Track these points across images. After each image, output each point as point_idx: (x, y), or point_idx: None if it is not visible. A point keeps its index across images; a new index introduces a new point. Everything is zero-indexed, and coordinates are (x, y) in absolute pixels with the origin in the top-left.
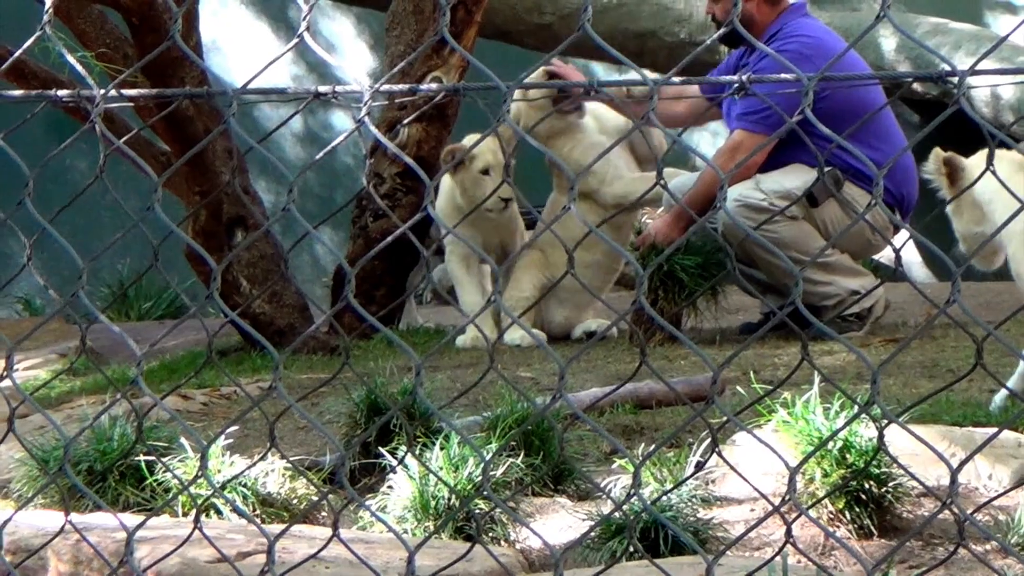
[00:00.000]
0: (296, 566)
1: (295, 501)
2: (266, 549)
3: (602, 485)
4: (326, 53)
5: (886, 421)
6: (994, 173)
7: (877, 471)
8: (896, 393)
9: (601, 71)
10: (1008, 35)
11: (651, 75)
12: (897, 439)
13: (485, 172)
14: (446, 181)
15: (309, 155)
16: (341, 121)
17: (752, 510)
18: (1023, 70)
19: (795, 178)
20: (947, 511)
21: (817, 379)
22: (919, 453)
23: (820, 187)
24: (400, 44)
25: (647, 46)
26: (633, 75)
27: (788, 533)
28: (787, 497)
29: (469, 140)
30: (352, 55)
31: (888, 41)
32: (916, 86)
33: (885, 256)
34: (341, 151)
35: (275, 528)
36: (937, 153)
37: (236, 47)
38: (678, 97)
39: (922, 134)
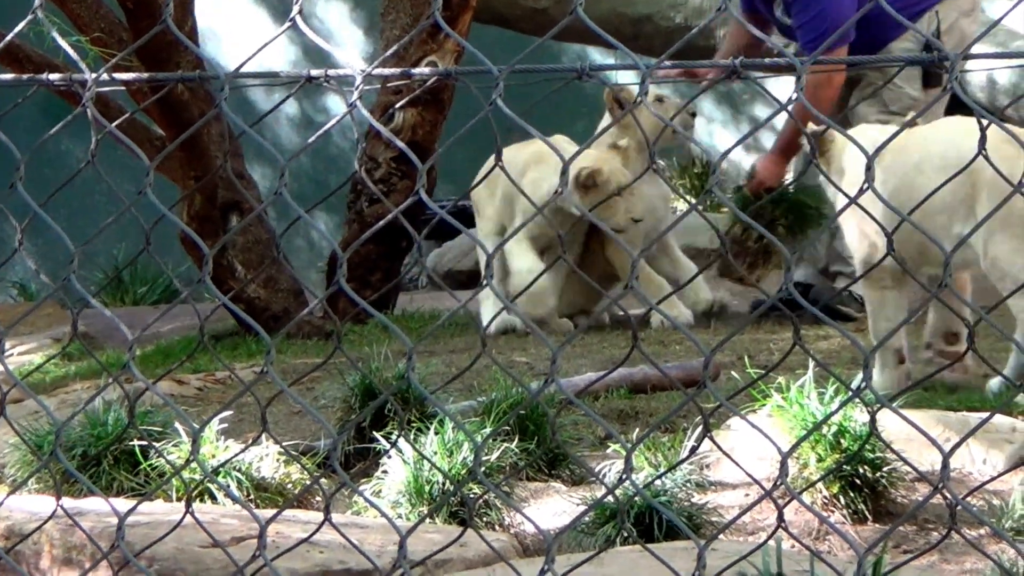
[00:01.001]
0: (288, 550)
1: (289, 486)
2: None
3: (596, 470)
4: (318, 37)
5: (879, 406)
6: (986, 158)
7: (871, 456)
8: (890, 377)
9: (597, 55)
10: (1000, 19)
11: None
12: (892, 424)
13: (617, 194)
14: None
15: (304, 139)
16: (337, 105)
17: (746, 495)
18: (1016, 54)
19: None
20: (940, 496)
21: (811, 364)
22: (914, 438)
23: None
24: (395, 28)
25: (643, 31)
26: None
27: (780, 518)
28: (779, 482)
29: (588, 155)
30: (347, 40)
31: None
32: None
33: None
34: (337, 135)
35: (268, 513)
36: (809, 127)
37: (233, 33)
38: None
39: (915, 116)
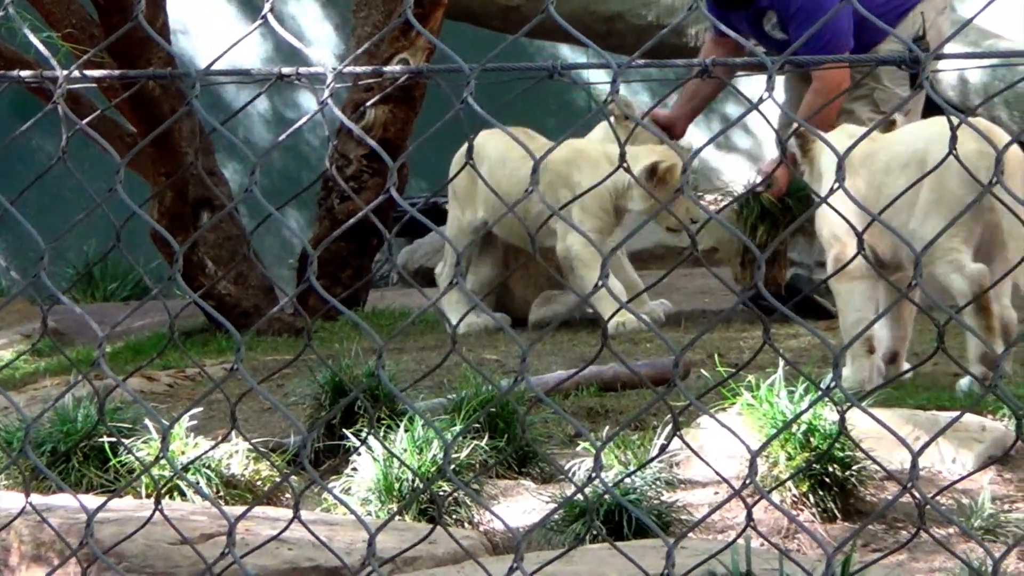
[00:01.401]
0: (257, 548)
1: (259, 483)
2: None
3: (566, 467)
4: (289, 34)
5: (848, 405)
6: (956, 157)
7: (841, 454)
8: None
9: (569, 53)
10: (972, 19)
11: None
12: (862, 422)
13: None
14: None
15: (276, 135)
16: (308, 101)
17: (716, 493)
18: (987, 54)
19: None
20: (910, 495)
21: (782, 362)
22: (884, 437)
23: None
24: (367, 26)
25: (614, 28)
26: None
27: (749, 517)
28: (748, 481)
29: (648, 150)
30: (319, 36)
31: None
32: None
33: None
34: (308, 132)
35: (238, 510)
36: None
37: (205, 29)
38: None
39: (886, 118)
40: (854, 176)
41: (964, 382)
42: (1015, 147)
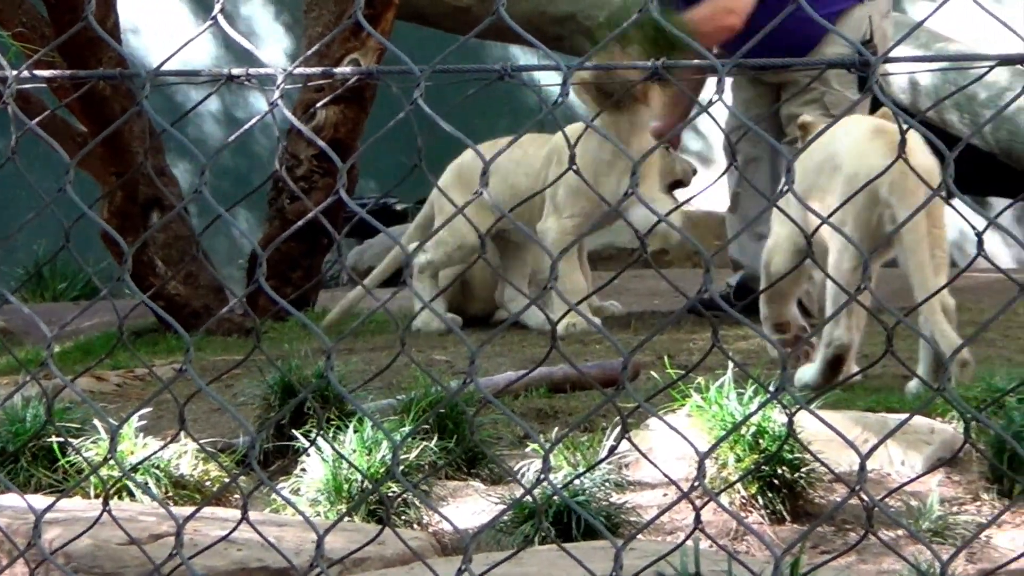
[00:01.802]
0: (205, 549)
1: (208, 483)
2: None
3: (515, 469)
4: (239, 35)
5: (797, 407)
6: (906, 161)
7: (790, 456)
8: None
9: (520, 54)
10: (922, 22)
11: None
12: (812, 424)
13: (679, 184)
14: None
15: (226, 135)
16: (259, 102)
17: (665, 495)
18: (937, 57)
19: None
20: (858, 498)
21: (731, 364)
22: (834, 438)
23: None
24: (318, 26)
25: (565, 30)
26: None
27: (697, 520)
28: (696, 484)
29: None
30: (270, 36)
31: None
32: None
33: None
34: (259, 132)
35: (186, 510)
36: (799, 120)
37: (156, 28)
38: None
39: (835, 120)
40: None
41: (913, 384)
42: (923, 156)
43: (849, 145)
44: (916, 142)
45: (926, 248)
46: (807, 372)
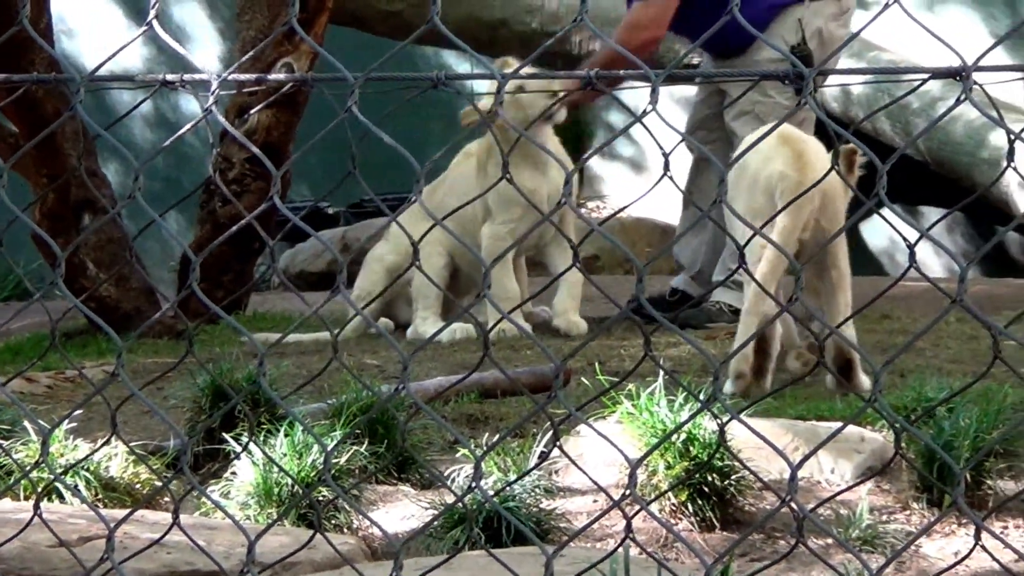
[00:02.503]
0: (136, 554)
1: (139, 486)
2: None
3: (446, 474)
4: (173, 40)
5: (727, 416)
6: (839, 172)
7: (720, 464)
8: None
9: (453, 59)
10: (857, 33)
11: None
12: (743, 432)
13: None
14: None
15: (160, 138)
16: (192, 104)
17: (595, 501)
18: (870, 69)
19: None
20: (788, 507)
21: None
22: (764, 446)
23: None
24: (251, 30)
25: (499, 35)
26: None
27: (628, 528)
28: (627, 491)
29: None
30: (204, 39)
31: None
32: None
33: None
34: (191, 134)
35: (117, 513)
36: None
37: (90, 31)
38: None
39: (770, 128)
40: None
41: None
42: (823, 166)
43: (758, 149)
44: (817, 153)
45: (780, 261)
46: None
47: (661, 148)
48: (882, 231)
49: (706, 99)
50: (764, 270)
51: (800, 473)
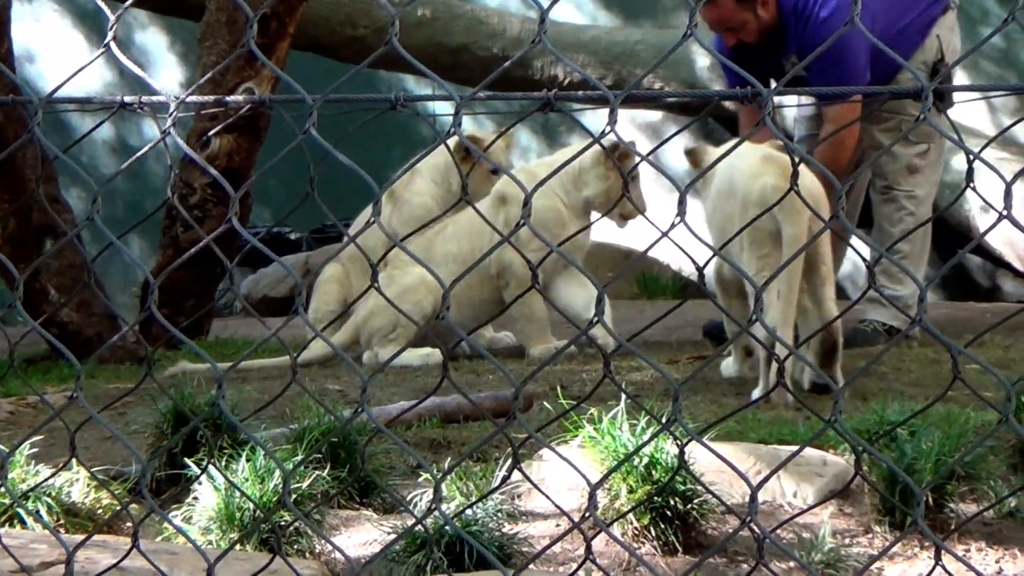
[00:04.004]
0: None
1: (100, 511)
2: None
3: (408, 498)
4: (131, 63)
5: (688, 439)
6: (798, 194)
7: (683, 487)
8: (704, 410)
9: (414, 84)
10: (818, 52)
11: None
12: (706, 455)
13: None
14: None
15: (119, 162)
16: (153, 129)
17: (558, 525)
18: (827, 89)
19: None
20: (749, 529)
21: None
22: (726, 469)
23: None
24: (212, 55)
25: (460, 60)
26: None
27: (588, 551)
28: (587, 514)
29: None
30: (165, 64)
31: (702, 58)
32: (727, 103)
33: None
34: (152, 159)
35: (78, 538)
36: (685, 148)
37: (51, 56)
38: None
39: (731, 147)
40: (706, 191)
41: (724, 364)
42: (810, 181)
43: (744, 169)
44: (803, 168)
45: (800, 265)
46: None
47: (621, 170)
48: (847, 255)
49: (808, 122)
50: (785, 283)
51: (763, 497)
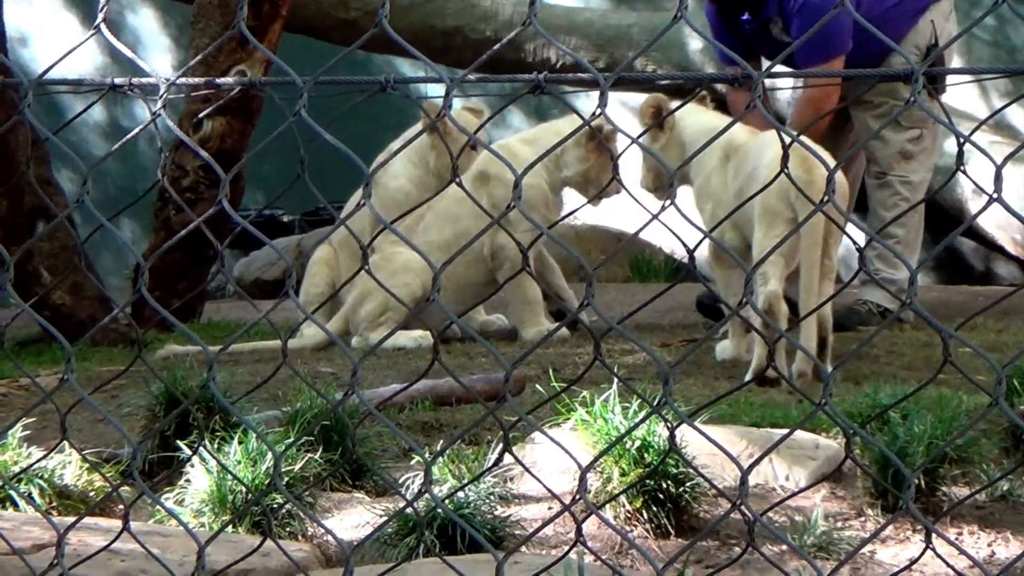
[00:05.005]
0: (86, 559)
1: (92, 493)
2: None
3: (400, 481)
4: (122, 44)
5: (679, 422)
6: (788, 176)
7: (675, 470)
8: (696, 393)
9: (407, 67)
10: (805, 38)
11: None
12: (698, 438)
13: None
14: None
15: (111, 144)
16: (144, 111)
17: (550, 508)
18: (817, 73)
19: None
20: (739, 512)
21: (616, 378)
22: (718, 453)
23: None
24: (205, 37)
25: (452, 43)
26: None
27: (578, 533)
28: (577, 496)
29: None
30: (158, 46)
31: (694, 41)
32: (718, 85)
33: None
34: (145, 141)
35: (69, 520)
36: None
37: (44, 38)
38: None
39: (721, 131)
40: (724, 165)
41: (720, 346)
42: (838, 173)
43: (770, 158)
44: (824, 154)
45: (819, 253)
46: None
47: (611, 152)
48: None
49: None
50: (778, 267)
51: (755, 480)
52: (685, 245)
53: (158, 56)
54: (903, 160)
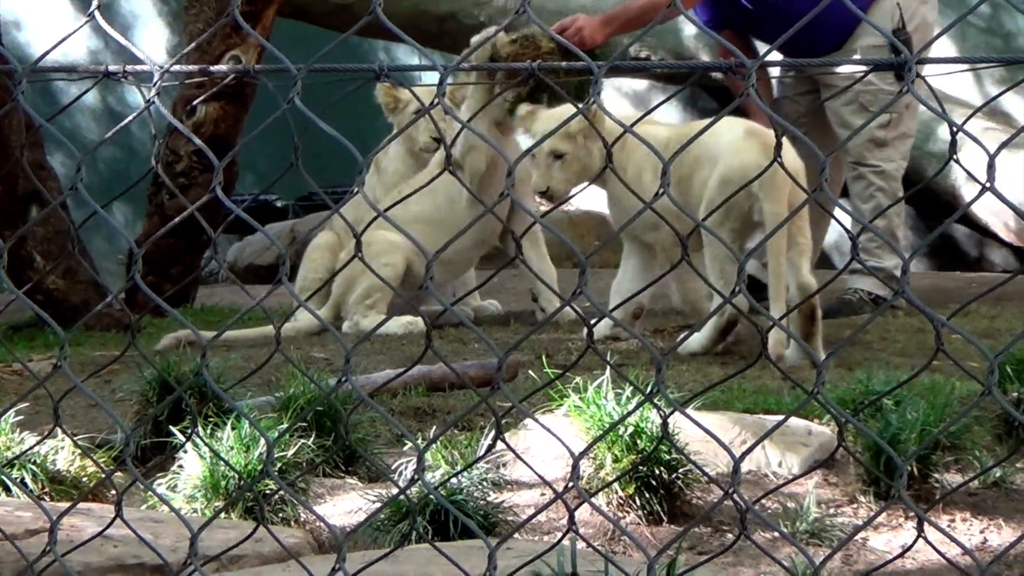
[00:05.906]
0: (79, 546)
1: (85, 479)
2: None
3: (393, 467)
4: (115, 31)
5: (671, 409)
6: (781, 164)
7: (668, 457)
8: (689, 379)
9: (402, 53)
10: (798, 26)
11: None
12: (691, 425)
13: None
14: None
15: (105, 129)
16: (138, 97)
17: (543, 494)
18: (811, 62)
19: None
20: (731, 500)
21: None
22: (711, 440)
23: None
24: (199, 22)
25: (446, 28)
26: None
27: (571, 520)
28: (570, 484)
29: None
30: (152, 32)
31: (689, 27)
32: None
33: None
34: (138, 126)
35: (63, 506)
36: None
37: (39, 23)
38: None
39: (714, 120)
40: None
41: (789, 352)
42: (791, 156)
43: (726, 144)
44: (785, 143)
45: (784, 240)
46: (695, 341)
47: (604, 139)
48: (832, 226)
49: (794, 92)
50: (772, 260)
51: (748, 467)
52: (678, 234)
53: (152, 41)
54: (875, 148)
